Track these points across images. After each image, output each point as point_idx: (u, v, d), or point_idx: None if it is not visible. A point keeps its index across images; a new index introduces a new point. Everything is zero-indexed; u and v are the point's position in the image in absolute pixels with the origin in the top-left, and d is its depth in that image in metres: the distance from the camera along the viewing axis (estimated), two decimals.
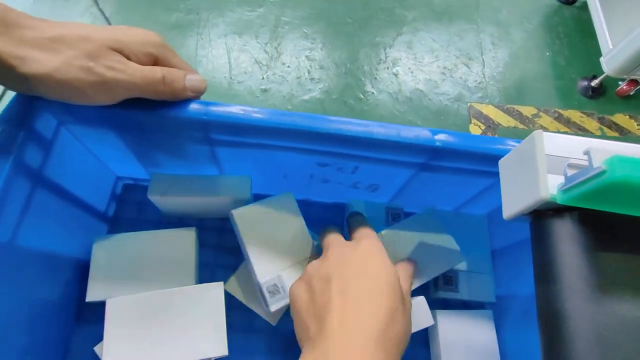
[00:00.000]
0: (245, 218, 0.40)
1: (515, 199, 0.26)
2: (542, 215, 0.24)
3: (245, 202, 0.42)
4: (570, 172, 0.21)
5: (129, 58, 0.29)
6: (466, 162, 0.34)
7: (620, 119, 1.32)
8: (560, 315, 0.20)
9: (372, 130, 0.33)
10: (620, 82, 1.31)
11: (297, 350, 0.44)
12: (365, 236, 0.37)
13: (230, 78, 1.35)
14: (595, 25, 1.29)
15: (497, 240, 0.50)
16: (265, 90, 1.35)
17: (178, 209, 0.44)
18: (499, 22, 1.49)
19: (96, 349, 0.38)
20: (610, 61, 1.21)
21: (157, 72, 0.30)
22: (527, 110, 1.36)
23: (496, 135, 1.38)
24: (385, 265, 0.33)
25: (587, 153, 0.20)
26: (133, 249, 0.42)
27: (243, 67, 1.37)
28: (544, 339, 0.21)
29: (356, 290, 0.31)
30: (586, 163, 0.20)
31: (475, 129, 1.33)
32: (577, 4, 1.50)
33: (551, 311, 0.20)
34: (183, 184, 0.41)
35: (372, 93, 1.37)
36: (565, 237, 0.22)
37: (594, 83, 1.32)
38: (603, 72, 1.25)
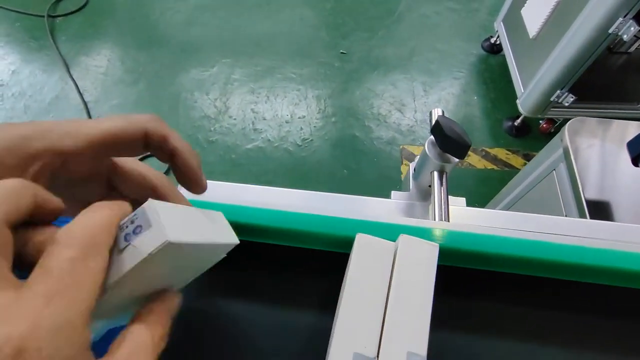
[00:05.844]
0: None
1: None
2: None
3: None
4: None
5: None
6: None
7: None
8: None
9: None
10: (541, 122, 1.39)
11: None
12: None
13: (179, 132, 1.47)
14: (510, 71, 1.40)
15: None
16: (212, 142, 1.47)
17: None
18: (430, 71, 1.61)
19: None
20: (524, 103, 1.30)
21: None
22: None
23: None
24: None
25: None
26: None
27: (192, 122, 1.50)
28: None
29: None
30: None
31: (407, 170, 1.41)
32: (501, 53, 1.62)
33: None
34: None
35: (311, 140, 1.47)
36: None
37: (517, 123, 1.40)
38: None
